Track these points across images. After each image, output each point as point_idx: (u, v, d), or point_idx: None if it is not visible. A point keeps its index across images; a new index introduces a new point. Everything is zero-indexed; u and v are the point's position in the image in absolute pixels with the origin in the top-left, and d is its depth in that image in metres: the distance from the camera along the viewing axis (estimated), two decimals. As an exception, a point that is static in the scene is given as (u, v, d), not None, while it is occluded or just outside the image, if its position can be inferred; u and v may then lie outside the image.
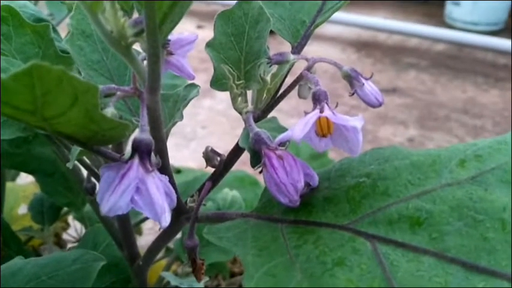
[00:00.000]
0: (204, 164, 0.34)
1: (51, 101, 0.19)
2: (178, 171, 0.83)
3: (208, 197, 0.58)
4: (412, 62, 2.00)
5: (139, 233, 0.82)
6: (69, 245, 0.83)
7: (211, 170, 0.35)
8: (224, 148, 0.34)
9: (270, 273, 0.22)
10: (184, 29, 0.26)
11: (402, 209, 0.23)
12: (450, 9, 2.38)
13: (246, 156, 0.35)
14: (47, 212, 0.63)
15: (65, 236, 0.85)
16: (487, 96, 1.71)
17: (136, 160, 0.25)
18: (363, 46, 2.17)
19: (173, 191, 0.27)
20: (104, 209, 0.24)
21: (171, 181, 0.29)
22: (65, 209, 0.67)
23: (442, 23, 2.39)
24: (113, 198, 0.24)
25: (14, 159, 0.49)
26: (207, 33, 0.33)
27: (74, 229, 0.85)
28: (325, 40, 2.19)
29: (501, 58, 1.98)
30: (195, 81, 0.35)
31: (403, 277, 0.20)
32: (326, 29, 2.22)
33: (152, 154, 0.26)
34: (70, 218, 0.83)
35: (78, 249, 0.32)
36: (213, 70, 0.31)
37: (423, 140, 1.46)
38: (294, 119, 1.41)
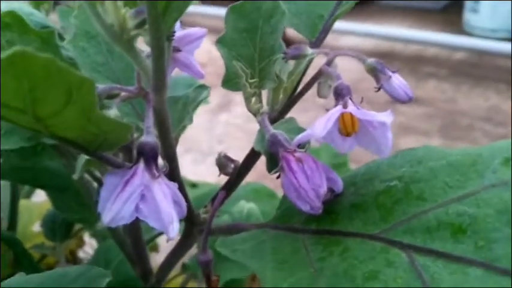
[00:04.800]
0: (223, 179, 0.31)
1: (41, 97, 0.17)
2: (194, 185, 0.81)
3: (225, 210, 0.56)
4: (431, 71, 1.96)
5: (156, 249, 0.79)
6: (85, 263, 0.81)
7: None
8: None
9: (291, 290, 0.19)
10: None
11: (441, 215, 0.21)
12: (468, 17, 2.33)
13: (263, 168, 0.33)
14: (58, 228, 0.61)
15: (80, 254, 0.83)
16: (510, 104, 1.66)
17: (141, 165, 0.23)
18: (380, 57, 2.12)
19: (183, 199, 0.25)
20: (106, 219, 0.21)
21: (181, 189, 0.27)
22: (79, 225, 0.65)
23: (461, 31, 2.34)
24: (115, 207, 0.22)
25: (23, 174, 0.48)
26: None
27: (90, 246, 0.83)
28: (342, 52, 2.16)
29: (523, 65, 1.92)
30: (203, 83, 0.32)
31: (447, 293, 0.17)
32: (342, 40, 2.20)
33: (160, 159, 0.24)
34: (86, 235, 0.82)
35: (83, 264, 0.29)
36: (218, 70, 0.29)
37: (446, 150, 1.41)
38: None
